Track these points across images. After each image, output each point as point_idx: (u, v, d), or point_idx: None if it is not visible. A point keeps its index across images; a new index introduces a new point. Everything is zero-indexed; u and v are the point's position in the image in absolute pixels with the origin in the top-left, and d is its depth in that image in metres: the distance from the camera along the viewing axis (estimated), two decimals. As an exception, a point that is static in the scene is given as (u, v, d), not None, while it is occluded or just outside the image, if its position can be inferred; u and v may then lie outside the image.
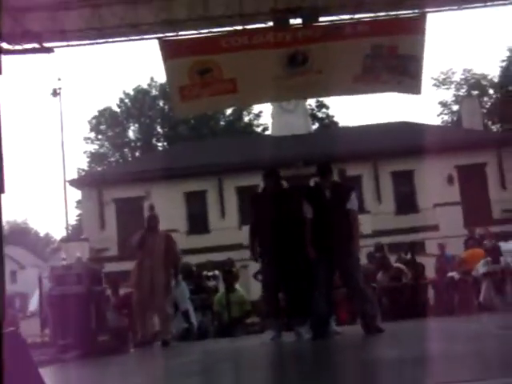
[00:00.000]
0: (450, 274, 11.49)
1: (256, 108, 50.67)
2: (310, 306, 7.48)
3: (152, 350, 8.55)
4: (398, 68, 8.73)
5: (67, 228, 34.30)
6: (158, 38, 8.92)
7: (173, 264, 9.37)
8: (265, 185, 8.10)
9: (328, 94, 10.66)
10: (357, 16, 8.54)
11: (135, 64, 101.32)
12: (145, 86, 52.32)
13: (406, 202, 28.68)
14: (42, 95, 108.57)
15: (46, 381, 6.06)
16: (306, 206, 7.54)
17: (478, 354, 4.61)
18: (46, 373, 6.65)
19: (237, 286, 11.97)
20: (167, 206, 27.81)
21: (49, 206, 70.54)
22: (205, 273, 13.37)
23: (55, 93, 30.50)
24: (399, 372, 3.97)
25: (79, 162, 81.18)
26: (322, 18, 8.50)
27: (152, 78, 52.28)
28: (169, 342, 8.98)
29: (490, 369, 3.68)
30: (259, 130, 49.57)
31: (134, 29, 8.88)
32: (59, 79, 33.83)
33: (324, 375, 4.12)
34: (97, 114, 51.78)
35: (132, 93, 51.96)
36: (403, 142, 27.83)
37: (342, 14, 8.52)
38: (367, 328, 7.35)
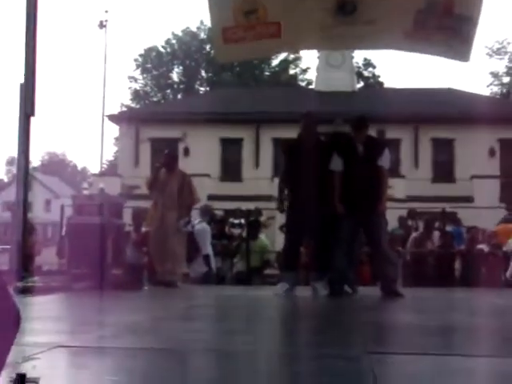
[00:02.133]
0: (480, 246, 11.17)
1: (303, 63, 50.05)
2: (330, 262, 7.27)
3: (166, 290, 8.46)
4: (452, 29, 8.26)
5: (102, 162, 34.52)
6: (203, -31, 8.56)
7: (186, 204, 9.14)
8: (300, 130, 7.81)
9: (375, 47, 10.16)
10: (413, -33, 8.05)
11: (185, 5, 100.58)
12: (194, 29, 51.82)
13: (444, 170, 28.19)
14: (89, 26, 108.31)
15: (53, 306, 6.01)
16: (336, 158, 7.27)
17: (493, 328, 4.38)
18: (52, 299, 6.62)
19: (261, 235, 11.86)
20: (202, 150, 27.76)
21: (89, 141, 71.00)
22: (231, 220, 13.27)
23: (101, 25, 30.32)
24: (406, 338, 3.76)
25: (121, 99, 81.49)
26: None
27: (202, 21, 51.72)
28: (175, 283, 8.82)
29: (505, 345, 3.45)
30: (303, 83, 48.88)
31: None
32: (106, 11, 33.55)
33: (329, 333, 3.93)
34: (143, 52, 51.59)
35: (180, 34, 51.53)
36: (447, 109, 27.18)
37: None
38: (386, 291, 7.13)
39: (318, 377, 2.38)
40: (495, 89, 45.89)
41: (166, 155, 9.47)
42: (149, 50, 51.43)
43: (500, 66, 54.17)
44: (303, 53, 48.71)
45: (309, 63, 50.47)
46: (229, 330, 4.01)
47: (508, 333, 4.15)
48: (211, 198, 22.60)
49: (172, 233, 8.88)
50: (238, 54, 9.82)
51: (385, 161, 7.30)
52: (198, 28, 51.71)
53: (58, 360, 2.82)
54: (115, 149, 47.48)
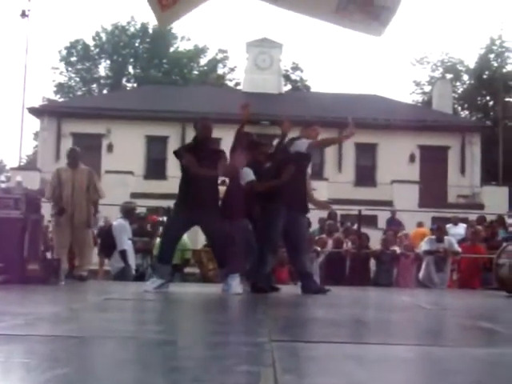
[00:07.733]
0: (393, 247, 11.58)
1: (231, 62, 50.29)
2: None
3: (82, 284, 8.51)
4: (370, 13, 8.64)
5: (20, 156, 33.72)
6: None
7: (92, 201, 9.28)
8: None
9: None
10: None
11: None
12: (124, 24, 51.07)
13: (366, 174, 28.91)
14: (10, 15, 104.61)
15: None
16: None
17: (392, 320, 4.64)
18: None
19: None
20: (126, 147, 27.57)
21: (7, 134, 68.89)
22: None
23: (23, 14, 29.32)
24: (309, 329, 3.96)
25: (44, 92, 79.39)
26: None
27: (133, 17, 51.15)
28: (85, 277, 9.06)
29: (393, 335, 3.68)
30: (231, 84, 49.11)
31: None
32: (29, 0, 31.92)
33: (238, 324, 4.08)
34: (69, 44, 50.53)
35: (110, 28, 50.73)
36: (371, 114, 27.86)
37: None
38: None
39: (223, 360, 2.53)
40: (417, 97, 47.19)
41: (71, 151, 9.56)
42: (75, 42, 50.43)
43: (423, 74, 55.85)
44: (231, 53, 48.87)
45: (236, 63, 50.36)
46: (141, 321, 4.10)
47: (404, 324, 4.42)
48: (134, 195, 22.49)
49: (81, 229, 9.01)
50: (176, 15, 9.91)
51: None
52: (129, 23, 51.08)
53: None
54: (35, 143, 46.33)
